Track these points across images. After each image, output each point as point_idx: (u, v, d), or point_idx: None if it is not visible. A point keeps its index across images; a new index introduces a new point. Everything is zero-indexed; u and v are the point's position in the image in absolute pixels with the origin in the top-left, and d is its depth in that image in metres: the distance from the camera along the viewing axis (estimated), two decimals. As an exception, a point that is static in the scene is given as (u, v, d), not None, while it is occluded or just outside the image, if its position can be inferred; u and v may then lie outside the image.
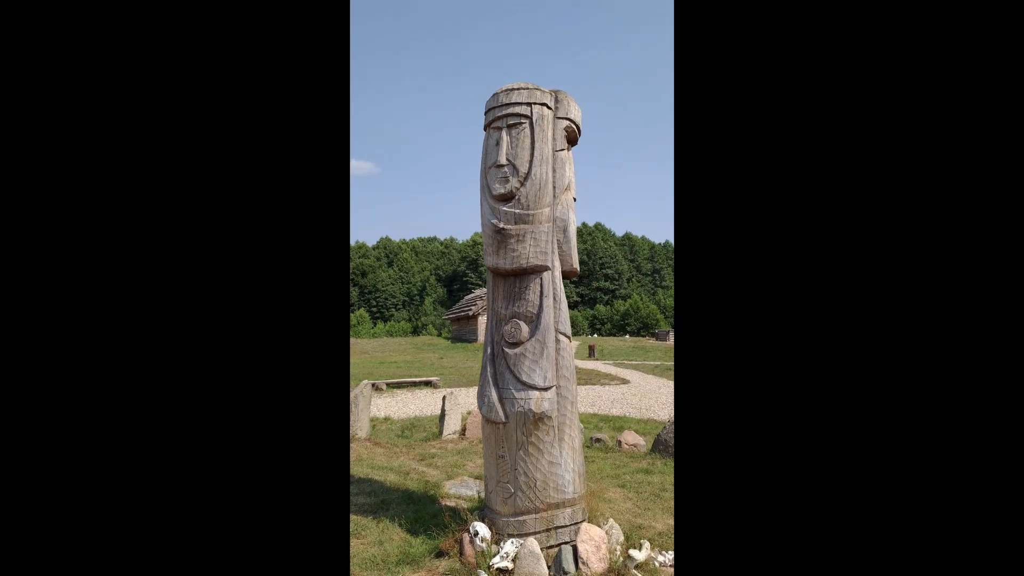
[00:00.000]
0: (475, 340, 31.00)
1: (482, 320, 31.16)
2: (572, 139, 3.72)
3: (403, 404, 11.72)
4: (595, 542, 3.19)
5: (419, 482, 4.96)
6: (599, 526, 3.50)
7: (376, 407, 10.78)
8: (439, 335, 43.07)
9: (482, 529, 3.34)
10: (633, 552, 3.18)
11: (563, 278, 3.61)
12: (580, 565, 3.12)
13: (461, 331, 34.15)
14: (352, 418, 7.12)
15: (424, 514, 3.99)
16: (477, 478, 4.99)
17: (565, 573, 3.08)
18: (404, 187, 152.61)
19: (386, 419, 9.37)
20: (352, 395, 7.27)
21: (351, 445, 6.51)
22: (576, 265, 3.56)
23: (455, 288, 66.20)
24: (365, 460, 5.85)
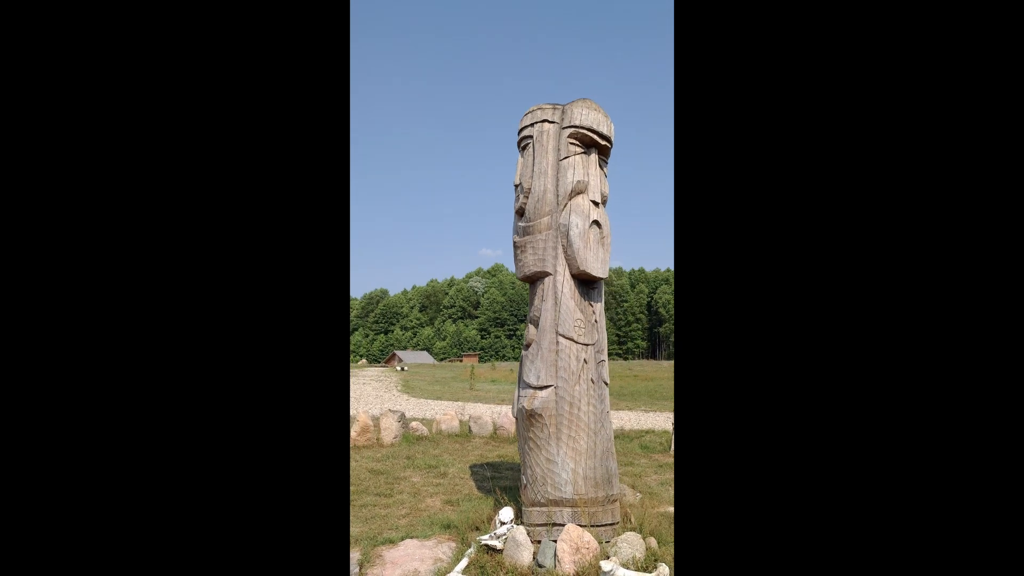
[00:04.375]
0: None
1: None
2: (589, 143, 3.75)
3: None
4: (574, 544, 3.16)
5: (568, 480, 5.34)
6: (597, 537, 3.35)
7: (649, 420, 10.87)
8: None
9: (504, 513, 3.71)
10: (604, 564, 3.00)
11: (581, 282, 3.66)
12: (557, 563, 3.17)
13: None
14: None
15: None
16: (632, 486, 5.02)
17: (540, 567, 3.19)
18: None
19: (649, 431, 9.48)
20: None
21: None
22: (585, 267, 3.56)
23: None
24: (564, 459, 6.48)
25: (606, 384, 3.72)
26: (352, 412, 7.67)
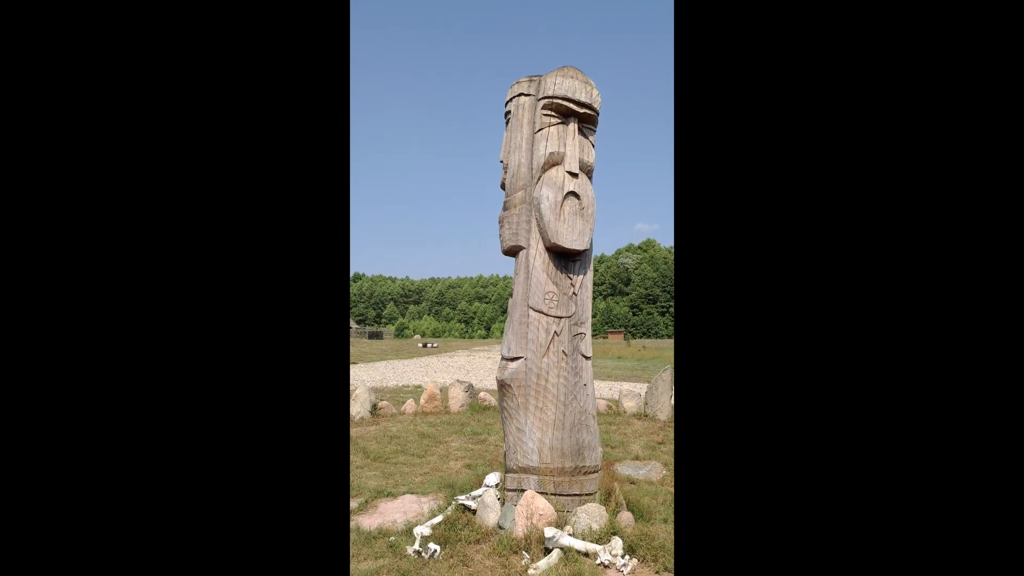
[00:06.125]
0: None
1: None
2: (566, 112, 3.68)
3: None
4: (528, 510, 3.25)
5: (606, 453, 5.32)
6: (561, 505, 3.38)
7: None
8: None
9: (490, 478, 3.90)
10: (547, 530, 3.06)
11: (558, 254, 3.65)
12: (514, 526, 3.29)
13: None
14: (653, 400, 7.54)
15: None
16: (644, 460, 4.92)
17: (501, 528, 3.35)
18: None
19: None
20: (653, 380, 7.68)
21: (641, 422, 7.07)
22: (556, 239, 3.54)
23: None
24: (620, 435, 6.40)
25: (586, 357, 3.69)
26: (434, 381, 8.26)
